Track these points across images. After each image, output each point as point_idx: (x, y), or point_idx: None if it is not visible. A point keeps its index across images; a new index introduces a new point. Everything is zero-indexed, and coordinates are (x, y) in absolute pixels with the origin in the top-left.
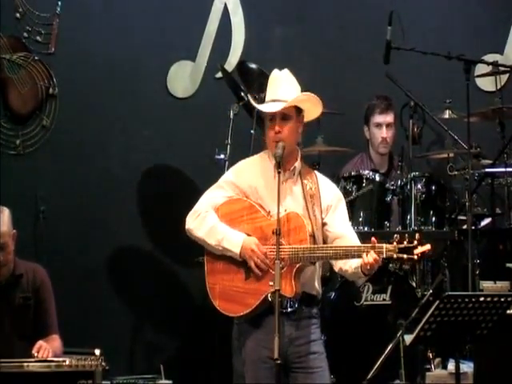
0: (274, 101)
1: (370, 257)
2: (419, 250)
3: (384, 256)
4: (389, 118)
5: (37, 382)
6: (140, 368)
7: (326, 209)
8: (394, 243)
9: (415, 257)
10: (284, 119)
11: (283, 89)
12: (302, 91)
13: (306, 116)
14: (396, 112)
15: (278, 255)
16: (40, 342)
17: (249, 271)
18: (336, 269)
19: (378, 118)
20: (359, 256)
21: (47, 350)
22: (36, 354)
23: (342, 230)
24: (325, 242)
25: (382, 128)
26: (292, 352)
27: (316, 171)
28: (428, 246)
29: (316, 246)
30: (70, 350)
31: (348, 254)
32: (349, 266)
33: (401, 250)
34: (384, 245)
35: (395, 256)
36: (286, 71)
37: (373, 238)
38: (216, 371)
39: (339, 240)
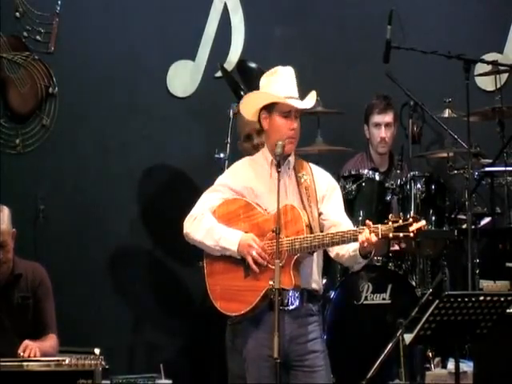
0: (290, 98)
1: (367, 234)
2: (414, 226)
3: (380, 236)
4: (387, 117)
5: (36, 382)
6: (140, 367)
7: (322, 199)
8: (390, 223)
9: (411, 234)
10: (297, 117)
11: (294, 86)
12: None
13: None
14: (396, 111)
15: (277, 255)
16: (26, 342)
17: (248, 269)
18: (332, 255)
19: (377, 118)
20: (355, 240)
21: (33, 350)
22: (22, 354)
23: (337, 218)
24: (321, 231)
25: (380, 128)
26: (293, 350)
27: (310, 163)
28: (423, 222)
29: (312, 235)
30: (70, 350)
31: (345, 239)
32: (346, 250)
33: (396, 229)
34: (379, 225)
35: (391, 235)
36: (290, 68)
37: (367, 221)
38: (216, 371)
39: (334, 228)
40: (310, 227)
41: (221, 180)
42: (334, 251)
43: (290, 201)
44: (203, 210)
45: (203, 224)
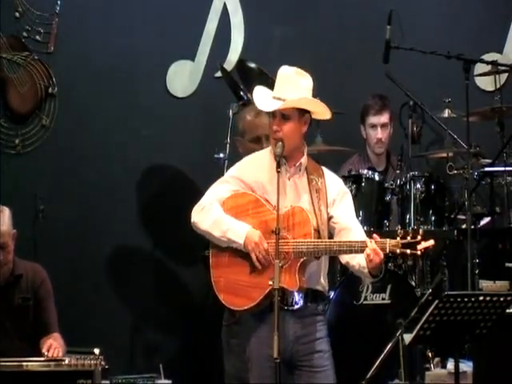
0: (275, 98)
1: (374, 245)
2: (422, 245)
3: (387, 251)
4: (383, 118)
5: (36, 382)
6: (139, 367)
7: (332, 202)
8: (398, 238)
9: (418, 252)
10: (284, 118)
11: (286, 88)
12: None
13: (316, 116)
14: (392, 110)
15: (277, 255)
16: (50, 341)
17: (253, 264)
18: (343, 261)
19: (373, 120)
20: (363, 251)
21: (57, 349)
22: (46, 353)
23: (348, 223)
24: (331, 234)
25: (376, 129)
26: (297, 350)
27: (323, 166)
28: (431, 242)
29: (320, 240)
30: (70, 350)
31: (352, 248)
32: (356, 262)
33: (404, 246)
34: (387, 240)
35: (398, 251)
36: (294, 69)
37: (375, 235)
38: (216, 371)
39: (344, 231)
40: (317, 231)
41: (232, 172)
42: (344, 259)
43: (300, 202)
44: (212, 201)
45: (211, 214)
